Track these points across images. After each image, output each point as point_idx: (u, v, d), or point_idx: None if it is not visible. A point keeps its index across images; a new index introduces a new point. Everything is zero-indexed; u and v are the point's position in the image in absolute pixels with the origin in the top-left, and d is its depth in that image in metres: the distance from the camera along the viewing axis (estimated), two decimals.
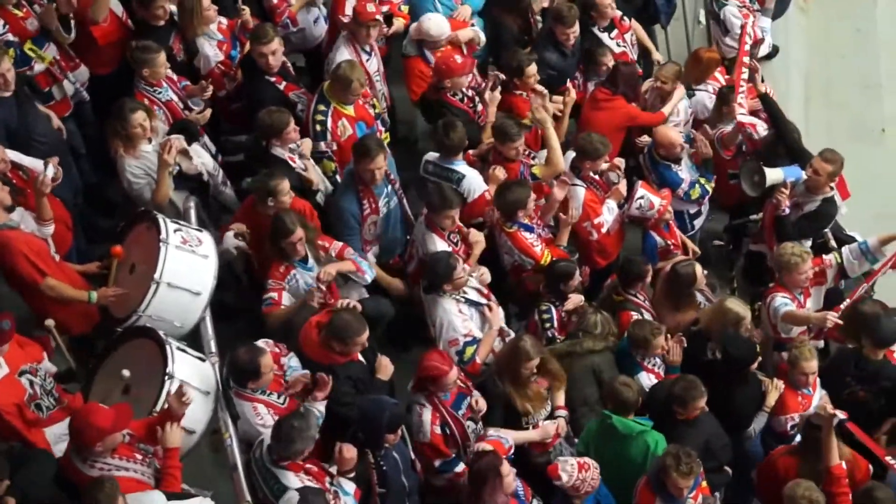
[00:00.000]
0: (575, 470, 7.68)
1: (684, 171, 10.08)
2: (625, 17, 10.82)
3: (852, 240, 9.90)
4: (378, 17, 9.87)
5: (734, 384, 8.54)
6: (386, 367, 8.23)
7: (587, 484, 7.71)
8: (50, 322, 8.04)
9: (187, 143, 8.97)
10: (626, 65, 10.43)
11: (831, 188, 9.72)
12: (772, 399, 8.62)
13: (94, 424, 7.04)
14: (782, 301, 9.12)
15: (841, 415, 8.05)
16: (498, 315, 8.75)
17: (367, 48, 9.94)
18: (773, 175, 9.77)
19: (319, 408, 7.86)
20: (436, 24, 10.07)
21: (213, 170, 9.27)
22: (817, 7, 13.75)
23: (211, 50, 9.80)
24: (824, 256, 9.48)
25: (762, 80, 10.53)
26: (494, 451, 7.74)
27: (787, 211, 9.67)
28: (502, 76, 9.99)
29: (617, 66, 10.38)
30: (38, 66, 9.27)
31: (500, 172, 9.40)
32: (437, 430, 8.08)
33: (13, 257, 8.06)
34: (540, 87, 9.87)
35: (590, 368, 8.59)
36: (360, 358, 8.18)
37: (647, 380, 8.70)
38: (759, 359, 8.79)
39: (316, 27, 10.53)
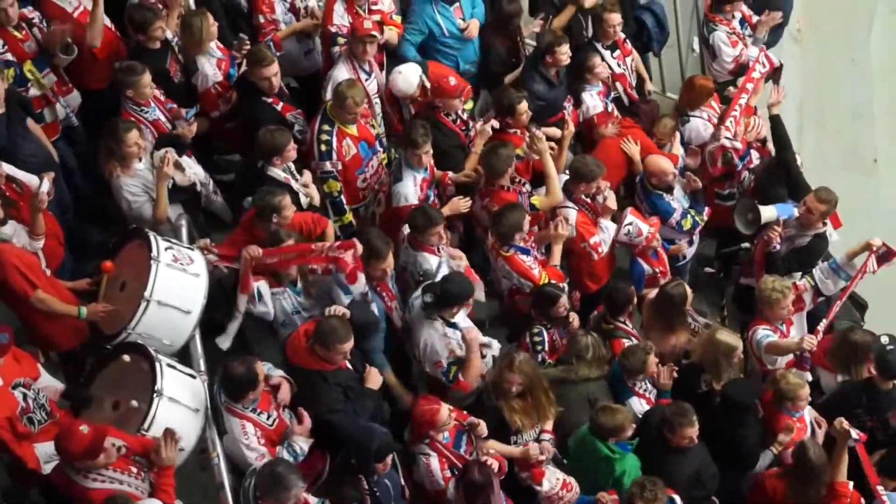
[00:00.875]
0: (558, 484, 7.85)
1: (676, 201, 10.10)
2: (627, 41, 10.88)
3: None
4: (375, 32, 9.87)
5: (737, 426, 8.48)
6: (375, 377, 8.24)
7: (563, 502, 7.76)
8: (126, 358, 7.94)
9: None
10: (646, 102, 10.59)
11: (824, 223, 9.75)
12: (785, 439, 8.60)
13: (68, 449, 7.07)
14: (764, 334, 9.11)
15: (855, 435, 8.10)
16: (474, 337, 8.62)
17: (367, 68, 9.95)
18: (768, 213, 9.78)
19: (301, 444, 7.83)
20: (404, 79, 9.88)
21: (204, 179, 9.30)
22: (811, 36, 13.78)
23: (210, 69, 9.78)
24: (797, 282, 9.48)
25: (755, 110, 10.62)
26: (483, 462, 7.78)
27: (778, 247, 9.72)
28: (496, 123, 9.92)
29: (638, 103, 10.57)
30: (33, 91, 9.29)
31: (462, 203, 9.45)
32: (447, 473, 8.04)
33: (4, 269, 8.05)
34: (538, 133, 9.81)
35: (584, 396, 8.60)
36: (349, 366, 8.18)
37: (638, 405, 8.73)
38: None
39: (307, 59, 10.54)
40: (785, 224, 9.75)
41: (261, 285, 8.52)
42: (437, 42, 10.46)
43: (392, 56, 10.39)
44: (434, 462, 8.04)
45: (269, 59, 9.51)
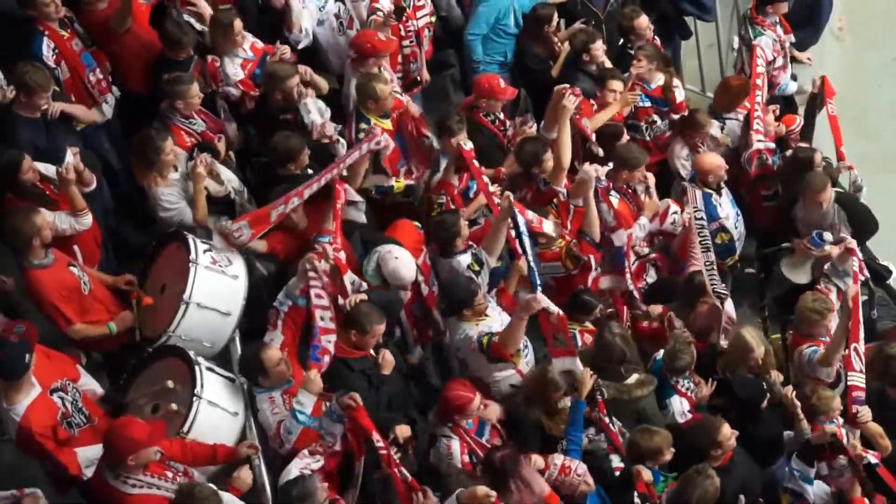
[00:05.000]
0: (556, 470, 7.72)
1: (725, 204, 9.96)
2: (657, 38, 10.93)
3: (886, 269, 9.84)
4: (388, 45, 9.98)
5: (747, 421, 8.40)
6: (388, 362, 8.16)
7: (567, 485, 7.70)
8: (170, 383, 7.92)
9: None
10: None
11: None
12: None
13: (130, 436, 7.06)
14: (811, 350, 8.97)
15: (872, 458, 8.01)
16: (534, 297, 8.35)
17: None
18: (796, 277, 9.81)
19: (304, 400, 7.74)
20: (403, 265, 8.67)
21: (238, 186, 9.26)
22: (852, 35, 13.69)
23: (232, 68, 9.78)
24: (820, 286, 9.38)
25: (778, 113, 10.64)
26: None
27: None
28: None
29: None
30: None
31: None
32: (466, 458, 7.99)
33: (40, 303, 8.13)
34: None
35: (635, 411, 8.48)
36: (372, 353, 8.18)
37: (678, 405, 8.63)
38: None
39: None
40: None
41: None
42: (500, 30, 10.72)
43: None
44: (455, 445, 7.98)
45: (289, 73, 9.51)
